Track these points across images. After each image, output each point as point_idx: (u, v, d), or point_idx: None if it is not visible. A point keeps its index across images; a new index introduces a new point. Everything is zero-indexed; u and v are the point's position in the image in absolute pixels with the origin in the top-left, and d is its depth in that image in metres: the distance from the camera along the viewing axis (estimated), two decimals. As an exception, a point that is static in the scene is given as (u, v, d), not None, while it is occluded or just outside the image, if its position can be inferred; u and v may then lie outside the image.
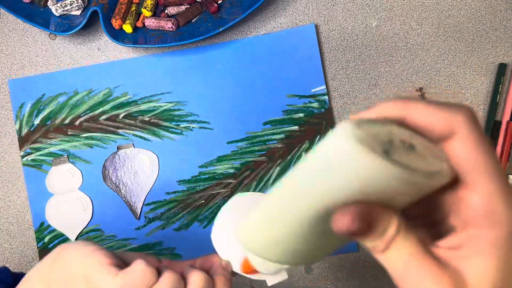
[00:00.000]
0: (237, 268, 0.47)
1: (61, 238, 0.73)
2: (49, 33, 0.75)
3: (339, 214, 0.28)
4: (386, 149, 0.27)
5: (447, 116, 0.29)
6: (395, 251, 0.30)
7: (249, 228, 0.37)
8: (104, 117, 0.74)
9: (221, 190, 0.73)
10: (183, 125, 0.73)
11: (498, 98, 0.73)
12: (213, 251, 0.69)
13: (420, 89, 0.74)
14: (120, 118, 0.74)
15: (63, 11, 0.72)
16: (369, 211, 0.28)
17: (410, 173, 0.27)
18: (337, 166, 0.27)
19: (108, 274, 0.40)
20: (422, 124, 0.30)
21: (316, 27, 0.74)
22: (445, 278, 0.29)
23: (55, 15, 0.73)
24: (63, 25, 0.72)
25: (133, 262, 0.41)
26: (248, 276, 0.46)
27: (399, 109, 0.30)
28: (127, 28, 0.72)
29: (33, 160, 0.73)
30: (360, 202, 0.28)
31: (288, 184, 0.32)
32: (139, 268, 0.40)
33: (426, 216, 0.33)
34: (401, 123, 0.30)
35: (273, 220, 0.34)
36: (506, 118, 0.72)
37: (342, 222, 0.28)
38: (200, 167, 0.73)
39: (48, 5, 0.73)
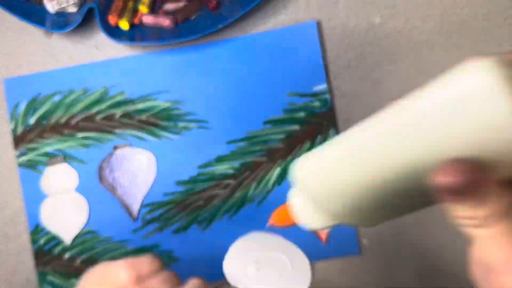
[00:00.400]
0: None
1: (57, 240, 0.72)
2: (45, 30, 0.74)
3: (446, 166, 0.24)
4: None
5: None
6: (500, 233, 0.24)
7: (318, 165, 0.32)
8: (100, 116, 0.72)
9: (220, 191, 0.72)
10: (181, 124, 0.72)
11: (503, 97, 0.71)
12: (211, 255, 0.68)
13: (424, 88, 0.73)
14: (116, 117, 0.72)
15: (59, 8, 0.71)
16: (484, 170, 0.23)
17: None
18: (466, 109, 0.23)
19: (117, 261, 0.44)
20: None
21: (318, 25, 0.73)
22: None
23: (51, 13, 0.72)
24: (59, 22, 0.71)
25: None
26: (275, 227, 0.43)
27: None
28: (124, 25, 0.71)
29: (28, 160, 0.72)
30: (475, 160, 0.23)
31: (387, 121, 0.27)
32: (147, 255, 0.46)
33: None
34: None
35: (354, 161, 0.29)
36: (511, 118, 0.71)
37: (447, 175, 0.23)
38: (198, 167, 0.72)
39: (44, 2, 0.72)
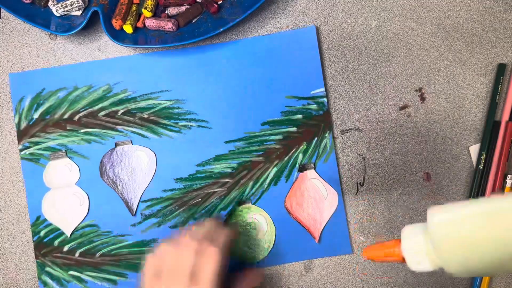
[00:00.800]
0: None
1: (57, 233, 0.73)
2: (49, 33, 0.76)
3: None
4: None
5: None
6: None
7: (457, 224, 0.35)
8: (103, 113, 0.74)
9: (218, 189, 0.73)
10: (181, 123, 0.74)
11: (497, 98, 0.72)
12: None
13: (420, 89, 0.74)
14: (119, 114, 0.74)
15: (63, 11, 0.73)
16: None
17: None
18: None
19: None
20: None
21: (316, 28, 0.75)
22: None
23: (56, 16, 0.74)
24: (64, 26, 0.72)
25: None
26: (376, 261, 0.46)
27: None
28: (128, 29, 0.73)
29: (31, 154, 0.73)
30: None
31: None
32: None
33: None
34: None
35: (490, 229, 0.33)
36: (505, 118, 0.72)
37: None
38: (197, 165, 0.73)
39: (49, 5, 0.74)
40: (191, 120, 0.74)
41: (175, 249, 0.60)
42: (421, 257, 0.40)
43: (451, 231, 0.36)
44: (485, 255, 0.33)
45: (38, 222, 0.73)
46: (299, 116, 0.74)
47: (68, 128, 0.74)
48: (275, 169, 0.73)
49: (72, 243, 0.72)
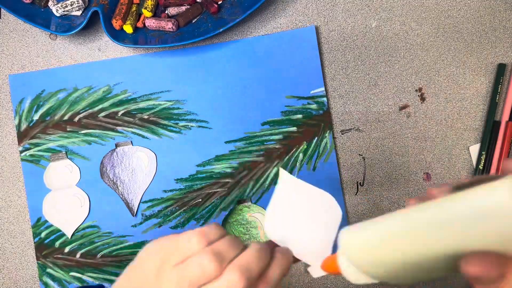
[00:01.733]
0: (298, 250, 0.47)
1: (58, 234, 0.73)
2: (49, 33, 0.76)
3: (476, 260, 0.28)
4: None
5: None
6: None
7: (363, 242, 0.37)
8: (103, 114, 0.74)
9: (218, 189, 0.73)
10: (181, 123, 0.74)
11: (497, 98, 0.72)
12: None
13: (420, 89, 0.74)
14: (119, 115, 0.74)
15: (63, 11, 0.73)
16: (505, 262, 0.28)
17: None
18: (492, 218, 0.28)
19: (184, 233, 0.43)
20: None
21: (316, 28, 0.75)
22: None
23: (56, 16, 0.74)
24: (64, 26, 0.72)
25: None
26: (309, 256, 0.46)
27: None
28: (128, 29, 0.72)
29: (31, 155, 0.73)
30: (496, 251, 0.29)
31: (428, 216, 0.32)
32: (212, 224, 0.45)
33: None
34: None
35: (397, 244, 0.34)
36: (505, 118, 0.72)
37: (476, 268, 0.28)
38: (197, 166, 0.73)
39: (49, 5, 0.74)
40: (191, 120, 0.74)
41: None
42: (353, 269, 0.41)
43: (359, 252, 0.38)
44: (400, 268, 0.35)
45: (39, 223, 0.73)
46: (299, 116, 0.74)
47: (68, 129, 0.74)
48: (275, 169, 0.73)
49: (73, 244, 0.73)
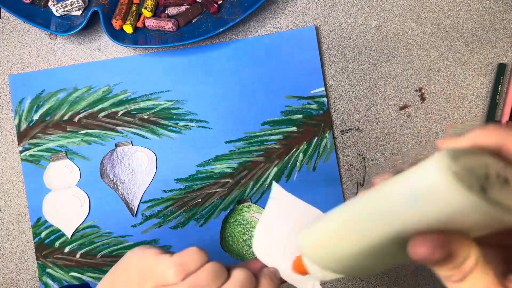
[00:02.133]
0: (286, 271, 0.46)
1: (58, 234, 0.73)
2: (49, 33, 0.76)
3: (419, 241, 0.28)
4: (482, 185, 0.27)
5: None
6: (471, 284, 0.29)
7: (315, 238, 0.37)
8: (103, 114, 0.74)
9: (218, 189, 0.73)
10: (181, 123, 0.74)
11: (497, 98, 0.72)
12: (207, 251, 0.68)
13: (420, 89, 0.74)
14: (119, 115, 0.74)
15: (63, 11, 0.73)
16: (450, 241, 0.28)
17: (504, 211, 0.26)
18: (427, 198, 0.27)
19: (162, 257, 0.42)
20: None
21: (316, 28, 0.75)
22: None
23: (56, 16, 0.74)
24: (64, 26, 0.72)
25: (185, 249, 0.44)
26: (295, 276, 0.46)
27: (495, 138, 0.29)
28: (128, 29, 0.72)
29: (31, 155, 0.73)
30: (441, 231, 0.28)
31: (368, 204, 0.32)
32: (193, 249, 0.43)
33: (501, 241, 0.32)
34: (496, 153, 0.29)
35: (344, 235, 0.34)
36: (505, 118, 0.72)
37: (422, 250, 0.28)
38: (197, 166, 0.73)
39: (49, 5, 0.74)
40: (191, 120, 0.74)
41: None
42: (316, 267, 0.41)
43: (314, 249, 0.38)
44: (356, 259, 0.35)
45: (39, 223, 0.73)
46: (299, 116, 0.74)
47: (68, 129, 0.74)
48: (275, 169, 0.73)
49: (73, 244, 0.73)
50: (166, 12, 0.75)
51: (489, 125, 0.30)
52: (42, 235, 0.73)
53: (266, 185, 0.73)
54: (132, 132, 0.74)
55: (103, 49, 0.75)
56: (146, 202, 0.73)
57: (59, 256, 0.72)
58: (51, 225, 0.73)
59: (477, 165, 0.28)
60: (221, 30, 0.70)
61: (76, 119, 0.74)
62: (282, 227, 0.47)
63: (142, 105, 0.74)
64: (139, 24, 0.74)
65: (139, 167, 0.73)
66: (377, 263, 0.35)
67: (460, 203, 0.26)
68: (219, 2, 0.74)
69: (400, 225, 0.29)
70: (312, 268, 0.41)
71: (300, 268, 0.43)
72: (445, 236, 0.27)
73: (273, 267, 0.46)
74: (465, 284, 0.29)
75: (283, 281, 0.46)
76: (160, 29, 0.73)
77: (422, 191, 0.27)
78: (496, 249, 0.32)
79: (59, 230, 0.73)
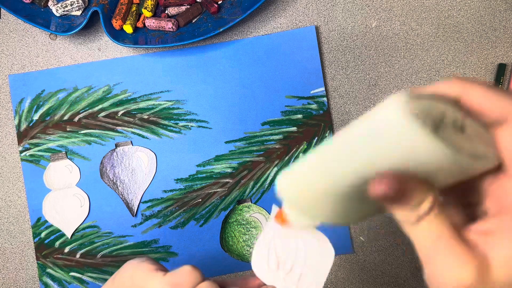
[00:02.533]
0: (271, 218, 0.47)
1: (58, 234, 0.73)
2: (49, 33, 0.75)
3: (377, 179, 0.28)
4: (436, 125, 0.28)
5: (504, 104, 0.29)
6: (426, 227, 0.30)
7: (290, 178, 0.37)
8: (103, 114, 0.74)
9: (218, 189, 0.73)
10: (181, 123, 0.74)
11: (497, 98, 0.72)
12: (207, 251, 0.68)
13: (419, 89, 0.74)
14: (119, 115, 0.74)
15: (63, 11, 0.73)
16: (406, 180, 0.28)
17: (456, 152, 0.27)
18: (384, 135, 0.28)
19: (155, 275, 0.43)
20: (477, 107, 0.30)
21: (316, 28, 0.75)
22: (470, 262, 0.28)
23: (56, 16, 0.74)
24: (64, 26, 0.72)
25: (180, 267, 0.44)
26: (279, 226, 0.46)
27: (457, 88, 0.30)
28: (128, 29, 0.72)
29: (31, 155, 0.73)
30: (399, 172, 0.28)
31: (335, 143, 0.32)
32: (186, 268, 0.43)
33: (463, 196, 0.33)
34: (456, 103, 0.30)
35: (314, 174, 0.34)
36: (505, 118, 0.72)
37: (379, 187, 0.28)
38: (197, 166, 0.73)
39: (49, 5, 0.74)
40: (191, 120, 0.74)
41: None
42: (294, 214, 0.42)
43: (290, 191, 0.38)
44: (328, 203, 0.35)
45: (39, 223, 0.73)
46: (299, 116, 0.74)
47: (68, 129, 0.73)
48: (275, 169, 0.73)
49: (73, 244, 0.73)
50: (166, 12, 0.74)
51: (453, 77, 0.31)
52: (42, 235, 0.73)
53: (266, 185, 0.73)
54: (132, 132, 0.73)
55: (103, 49, 0.75)
56: (146, 202, 0.73)
57: (59, 256, 0.72)
58: (51, 225, 0.72)
59: (435, 109, 0.28)
60: (221, 30, 0.70)
61: (76, 119, 0.74)
62: (282, 245, 0.47)
63: (142, 105, 0.74)
64: (139, 24, 0.74)
65: (139, 167, 0.73)
66: (349, 209, 0.35)
67: (413, 139, 0.27)
68: (219, 2, 0.74)
69: (362, 164, 0.30)
70: (291, 215, 0.42)
71: (281, 218, 0.44)
72: (401, 175, 0.28)
73: (272, 285, 0.46)
74: (419, 227, 0.30)
75: None
76: (160, 29, 0.73)
77: (379, 128, 0.28)
78: (458, 198, 0.33)
79: (59, 230, 0.73)
